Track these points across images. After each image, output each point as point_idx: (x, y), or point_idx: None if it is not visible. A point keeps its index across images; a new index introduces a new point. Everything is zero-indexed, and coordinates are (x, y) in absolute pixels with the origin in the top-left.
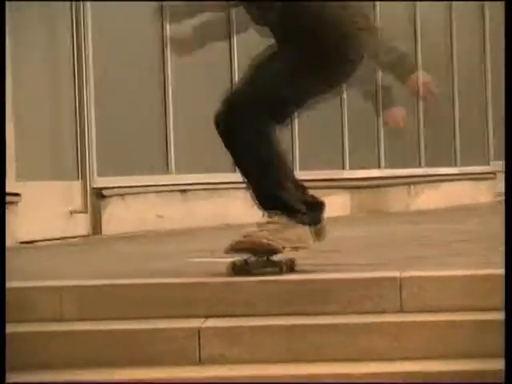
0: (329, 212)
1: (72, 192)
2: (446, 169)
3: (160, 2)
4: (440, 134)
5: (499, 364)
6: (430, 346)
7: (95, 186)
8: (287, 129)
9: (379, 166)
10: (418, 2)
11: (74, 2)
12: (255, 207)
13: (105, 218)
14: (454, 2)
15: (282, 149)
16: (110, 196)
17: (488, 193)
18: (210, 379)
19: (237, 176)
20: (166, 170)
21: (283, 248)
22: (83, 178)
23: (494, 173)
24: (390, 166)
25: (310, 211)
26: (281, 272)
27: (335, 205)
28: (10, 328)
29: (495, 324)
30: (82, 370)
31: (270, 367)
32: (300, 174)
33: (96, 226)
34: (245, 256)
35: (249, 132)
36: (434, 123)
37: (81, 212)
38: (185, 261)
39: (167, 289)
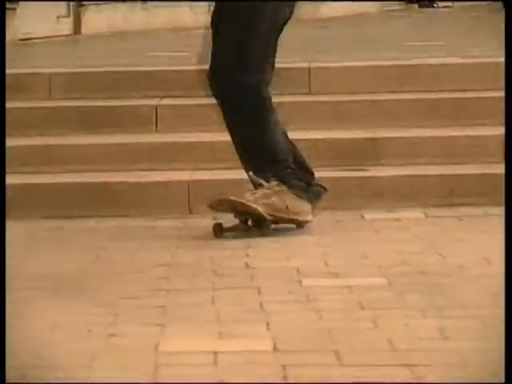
0: None
1: (59, 2)
2: None
3: None
4: None
5: None
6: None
7: None
8: None
9: None
10: None
11: None
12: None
13: (83, 21)
14: None
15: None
16: (88, 5)
17: (375, 5)
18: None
19: None
20: None
21: (270, 215)
22: None
23: None
24: None
25: (310, 189)
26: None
27: None
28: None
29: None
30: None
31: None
32: None
33: (77, 27)
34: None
35: (238, 93)
36: None
37: (65, 17)
38: (146, 55)
39: (130, 75)
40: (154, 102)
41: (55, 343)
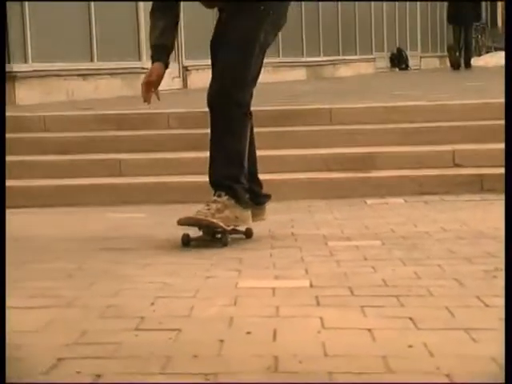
0: (296, 78)
1: (173, 68)
2: (351, 57)
3: None
4: (347, 34)
5: None
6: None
7: (184, 65)
8: None
9: (319, 55)
10: None
11: None
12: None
13: (189, 80)
14: None
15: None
16: (191, 69)
17: (372, 69)
18: None
19: None
20: None
21: (228, 226)
22: (178, 59)
23: (374, 58)
24: (325, 54)
25: (254, 198)
26: (224, 245)
27: (299, 75)
28: None
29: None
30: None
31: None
32: (277, 59)
33: (184, 84)
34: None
35: (229, 108)
36: (347, 23)
37: (177, 77)
38: None
39: None
40: None
41: (175, 284)
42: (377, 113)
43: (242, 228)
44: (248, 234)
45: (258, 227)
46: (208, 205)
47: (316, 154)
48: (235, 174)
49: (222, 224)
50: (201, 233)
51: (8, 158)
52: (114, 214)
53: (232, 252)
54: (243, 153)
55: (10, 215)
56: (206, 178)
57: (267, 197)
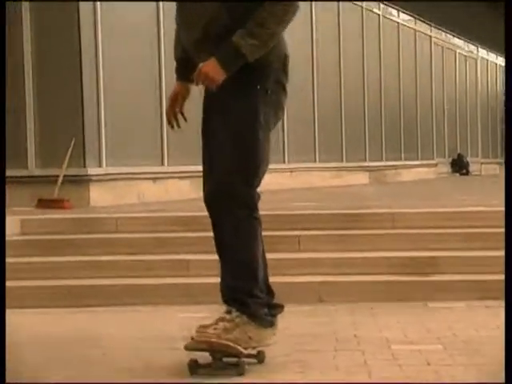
0: (359, 182)
1: None
2: (413, 162)
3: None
4: (409, 139)
5: None
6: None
7: None
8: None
9: (381, 160)
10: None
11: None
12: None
13: None
14: None
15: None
16: None
17: (433, 174)
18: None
19: None
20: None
21: (245, 349)
22: None
23: (435, 164)
24: (387, 159)
25: (271, 312)
26: (239, 374)
27: (362, 179)
28: None
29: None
30: None
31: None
32: (342, 163)
33: None
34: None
35: (229, 221)
36: (409, 131)
37: None
38: (291, 204)
39: (282, 216)
40: (297, 232)
41: None
42: (439, 217)
43: (254, 350)
44: (260, 358)
45: (320, 328)
46: (216, 323)
47: (379, 257)
48: (247, 286)
49: (239, 347)
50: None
51: (79, 258)
52: (182, 314)
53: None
54: (255, 261)
55: (79, 314)
56: (281, 279)
57: (279, 308)
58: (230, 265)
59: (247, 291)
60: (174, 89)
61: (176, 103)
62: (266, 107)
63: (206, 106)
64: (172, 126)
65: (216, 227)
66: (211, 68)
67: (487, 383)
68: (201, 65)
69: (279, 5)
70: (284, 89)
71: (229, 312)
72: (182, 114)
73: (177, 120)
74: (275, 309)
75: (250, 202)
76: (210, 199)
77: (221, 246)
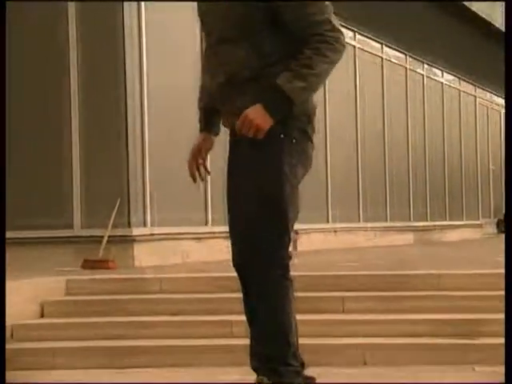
0: (404, 242)
1: None
2: (458, 222)
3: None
4: (454, 199)
5: None
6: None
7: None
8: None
9: (426, 219)
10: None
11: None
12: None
13: (298, 242)
14: None
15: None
16: (301, 233)
17: (478, 234)
18: None
19: None
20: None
21: None
22: None
23: (480, 224)
24: (431, 219)
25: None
26: None
27: (406, 239)
28: None
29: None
30: None
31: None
32: (385, 223)
33: (294, 246)
34: None
35: (261, 283)
36: (454, 191)
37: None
38: (337, 264)
39: (327, 277)
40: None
41: None
42: (484, 280)
43: None
44: None
45: None
46: None
47: (422, 319)
48: (280, 353)
49: None
50: None
51: (123, 319)
52: (224, 376)
53: None
54: (288, 326)
55: (115, 374)
56: (324, 341)
57: (310, 379)
58: (261, 331)
59: (280, 359)
60: (197, 141)
61: (199, 156)
62: (292, 158)
63: (230, 160)
64: (195, 180)
65: (246, 291)
66: (257, 115)
67: (487, 383)
68: (247, 111)
69: (327, 44)
70: (310, 140)
71: (261, 381)
72: (205, 168)
73: (200, 173)
74: (306, 379)
75: (281, 262)
76: (239, 262)
77: (252, 311)
